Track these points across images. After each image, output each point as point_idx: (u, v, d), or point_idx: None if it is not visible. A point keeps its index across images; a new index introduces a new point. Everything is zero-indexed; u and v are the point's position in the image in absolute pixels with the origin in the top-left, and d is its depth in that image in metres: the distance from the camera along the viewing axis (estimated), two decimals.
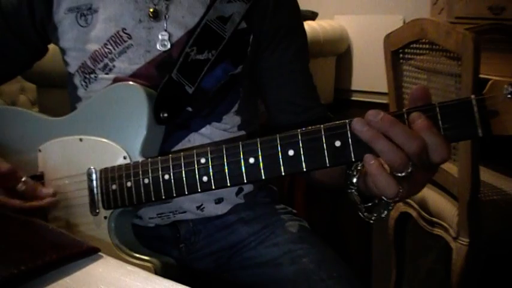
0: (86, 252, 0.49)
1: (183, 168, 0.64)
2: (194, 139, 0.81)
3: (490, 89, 0.51)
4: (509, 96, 0.49)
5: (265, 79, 0.86)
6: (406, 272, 1.73)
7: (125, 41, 0.79)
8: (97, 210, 0.74)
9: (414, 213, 1.56)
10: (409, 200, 1.59)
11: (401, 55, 1.48)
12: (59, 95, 1.49)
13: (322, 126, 0.56)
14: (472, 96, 0.51)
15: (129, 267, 0.47)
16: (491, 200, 1.37)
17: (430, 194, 1.49)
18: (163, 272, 0.70)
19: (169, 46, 0.79)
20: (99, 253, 0.50)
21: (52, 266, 0.46)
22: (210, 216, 0.85)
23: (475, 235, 1.32)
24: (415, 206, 1.56)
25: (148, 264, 0.70)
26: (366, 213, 0.63)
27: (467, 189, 1.28)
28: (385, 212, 0.61)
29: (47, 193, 0.77)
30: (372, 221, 0.63)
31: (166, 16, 0.79)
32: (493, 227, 1.36)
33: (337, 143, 0.55)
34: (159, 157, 0.67)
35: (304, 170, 0.57)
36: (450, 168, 1.34)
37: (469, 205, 1.29)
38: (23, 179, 0.75)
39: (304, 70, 0.90)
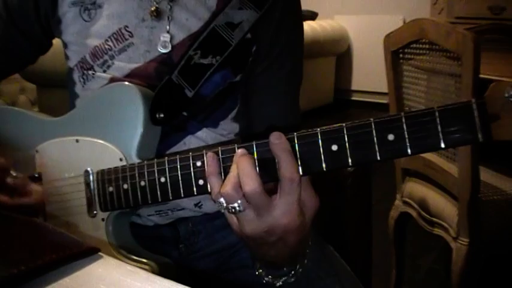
0: (86, 252, 0.49)
1: (179, 172, 0.64)
2: (190, 142, 0.81)
3: (491, 91, 0.50)
4: (511, 99, 0.48)
5: (250, 91, 0.86)
6: (406, 272, 1.73)
7: (126, 39, 0.79)
8: (94, 212, 0.74)
9: (414, 213, 1.57)
10: (409, 200, 1.59)
11: (401, 55, 1.48)
12: (59, 95, 1.49)
13: (319, 129, 0.56)
14: (473, 99, 0.50)
15: (129, 267, 0.47)
16: (491, 200, 1.38)
17: (430, 194, 1.49)
18: (161, 274, 0.70)
19: (170, 48, 0.78)
20: (99, 253, 0.50)
21: (52, 266, 0.46)
22: (208, 212, 0.85)
23: (475, 235, 1.32)
24: (415, 206, 1.56)
25: (146, 267, 0.70)
26: (269, 278, 0.65)
27: (467, 189, 1.28)
28: (292, 278, 0.64)
29: (37, 190, 0.76)
30: (276, 286, 0.65)
31: (170, 17, 0.79)
32: (493, 227, 1.36)
33: (334, 147, 0.55)
34: (155, 160, 0.67)
35: (301, 173, 0.56)
36: (450, 168, 1.34)
37: (469, 205, 1.29)
38: (14, 174, 0.74)
39: (291, 92, 0.88)
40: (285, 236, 0.56)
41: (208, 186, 0.60)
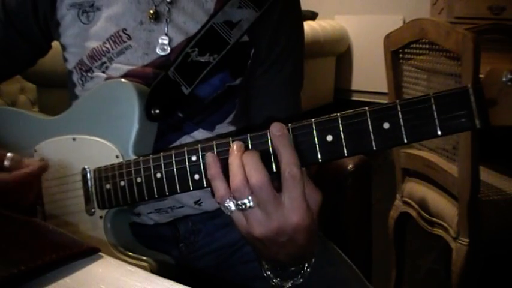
0: (86, 252, 0.49)
1: (174, 167, 0.63)
2: (186, 142, 0.80)
3: (487, 76, 0.48)
4: (509, 83, 0.47)
5: (251, 93, 0.85)
6: (406, 272, 1.73)
7: (124, 42, 0.79)
8: (92, 210, 0.75)
9: (414, 213, 1.57)
10: (409, 200, 1.59)
11: (401, 55, 1.48)
12: (59, 95, 1.49)
13: (313, 120, 0.55)
14: (469, 85, 0.48)
15: (129, 267, 0.47)
16: (491, 200, 1.38)
17: (430, 194, 1.49)
18: (161, 271, 0.70)
19: (169, 51, 0.78)
20: (99, 253, 0.50)
21: (52, 266, 0.46)
22: (208, 210, 0.85)
23: (475, 235, 1.32)
24: (415, 206, 1.56)
25: (145, 264, 0.70)
26: (277, 280, 0.64)
27: (467, 189, 1.28)
28: (301, 279, 0.63)
29: (33, 161, 0.75)
30: None
31: (168, 20, 0.79)
32: (493, 227, 1.36)
33: (329, 138, 0.54)
34: (151, 156, 0.67)
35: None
36: (450, 168, 1.34)
37: (469, 205, 1.29)
38: (8, 155, 0.73)
39: (292, 94, 0.87)
40: (295, 235, 0.55)
41: (204, 182, 0.59)
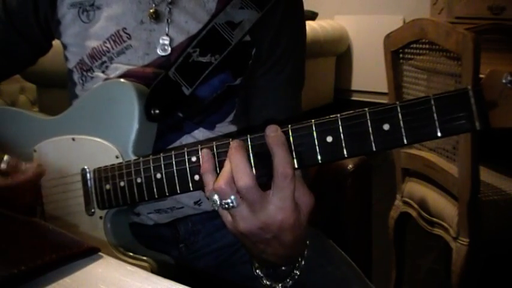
0: (86, 252, 0.49)
1: (174, 167, 0.63)
2: (186, 142, 0.81)
3: (487, 78, 0.48)
4: (509, 85, 0.47)
5: (251, 93, 0.85)
6: (406, 272, 1.73)
7: (124, 41, 0.79)
8: (92, 210, 0.75)
9: (414, 213, 1.57)
10: (409, 200, 1.59)
11: (401, 55, 1.48)
12: (59, 95, 1.49)
13: (313, 121, 0.55)
14: (469, 87, 0.48)
15: (129, 267, 0.47)
16: (491, 200, 1.38)
17: (430, 194, 1.49)
18: (161, 271, 0.70)
19: (169, 51, 0.78)
20: (99, 253, 0.50)
21: (52, 266, 0.46)
22: (208, 210, 0.85)
23: (475, 235, 1.32)
24: (415, 206, 1.56)
25: (145, 264, 0.70)
26: (268, 282, 0.64)
27: (467, 189, 1.28)
28: (290, 281, 0.63)
29: (30, 166, 0.75)
30: None
31: (169, 20, 0.79)
32: (493, 227, 1.36)
33: (329, 139, 0.54)
34: (151, 156, 0.67)
35: (296, 166, 0.56)
36: (450, 168, 1.34)
37: (469, 205, 1.29)
38: (5, 158, 0.73)
39: (292, 95, 0.87)
40: (280, 233, 0.56)
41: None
